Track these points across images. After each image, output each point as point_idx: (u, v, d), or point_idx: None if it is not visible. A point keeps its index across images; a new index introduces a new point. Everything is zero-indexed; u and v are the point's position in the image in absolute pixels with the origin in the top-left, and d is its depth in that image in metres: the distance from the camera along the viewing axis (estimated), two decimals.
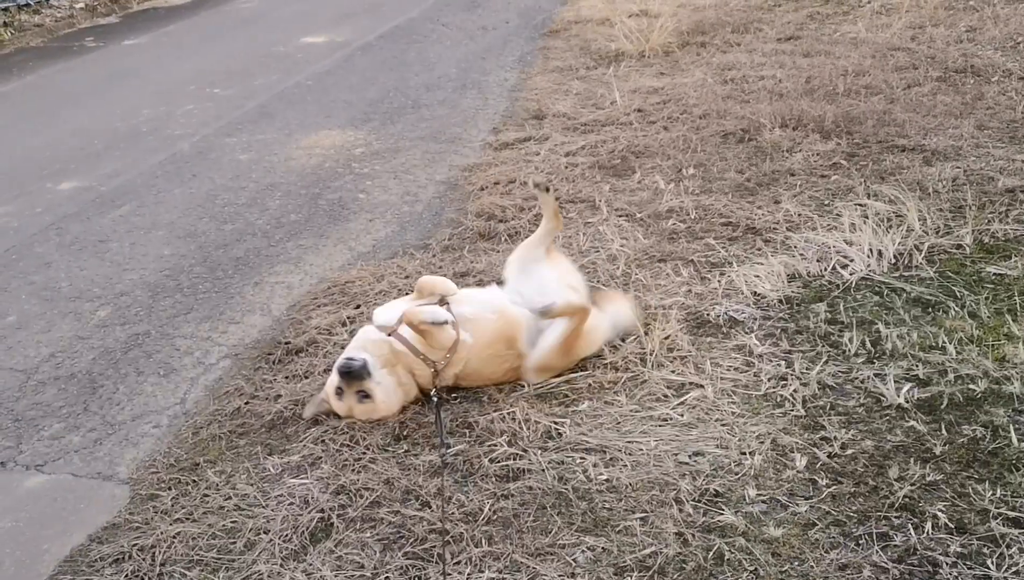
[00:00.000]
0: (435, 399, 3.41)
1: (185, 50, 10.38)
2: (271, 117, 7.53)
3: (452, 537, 2.83)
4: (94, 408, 3.80)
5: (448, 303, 3.62)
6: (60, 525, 3.12)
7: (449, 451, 3.23)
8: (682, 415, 3.31)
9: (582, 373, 3.62)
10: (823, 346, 3.65)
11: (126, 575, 2.83)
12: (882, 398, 3.29)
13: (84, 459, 3.47)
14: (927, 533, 2.65)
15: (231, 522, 3.00)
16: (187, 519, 3.05)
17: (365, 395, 3.40)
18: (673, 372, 3.57)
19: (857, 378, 3.42)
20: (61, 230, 5.58)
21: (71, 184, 6.35)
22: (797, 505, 2.82)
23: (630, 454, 3.12)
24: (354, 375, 3.38)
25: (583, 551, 2.73)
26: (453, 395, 3.54)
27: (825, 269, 4.23)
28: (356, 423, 3.42)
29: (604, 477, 3.03)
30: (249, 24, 11.60)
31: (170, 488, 3.22)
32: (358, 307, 4.29)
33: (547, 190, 3.92)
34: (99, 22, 12.41)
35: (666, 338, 3.79)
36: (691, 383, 3.49)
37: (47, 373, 4.09)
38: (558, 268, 3.91)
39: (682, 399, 3.40)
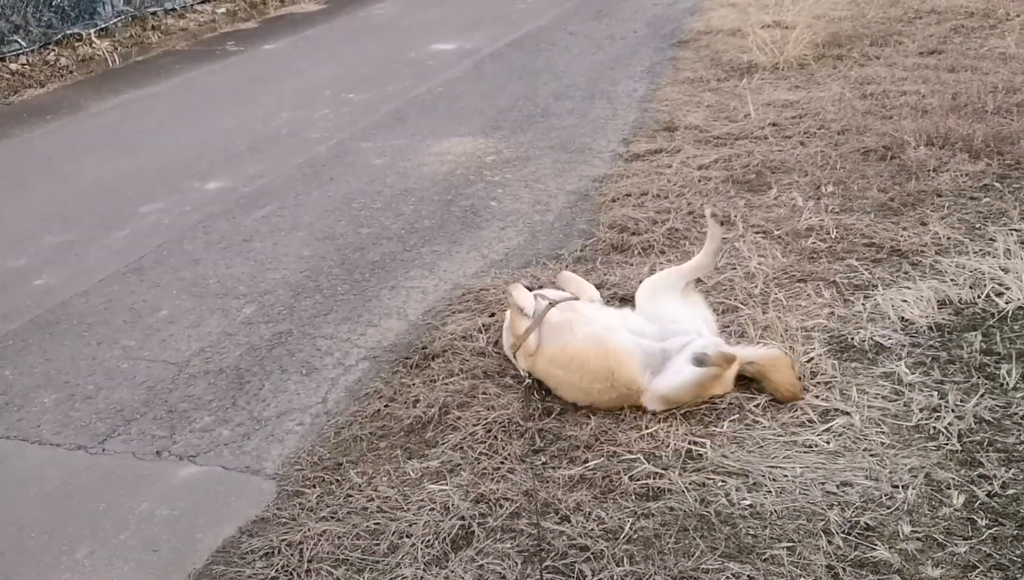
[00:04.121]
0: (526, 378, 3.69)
1: (321, 55, 10.70)
2: (404, 123, 7.69)
3: (593, 553, 2.82)
4: (241, 403, 3.95)
5: (556, 304, 3.74)
6: (212, 516, 3.25)
7: (538, 448, 3.35)
8: (828, 442, 3.22)
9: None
10: (979, 378, 3.49)
11: (276, 569, 2.93)
12: None
13: (233, 452, 3.61)
14: None
15: (374, 524, 3.07)
16: (332, 518, 3.14)
17: None
18: (817, 397, 3.48)
19: (1017, 413, 3.27)
20: (208, 228, 5.83)
21: (217, 184, 6.62)
22: (955, 545, 2.71)
23: (774, 480, 3.06)
24: None
25: (728, 578, 2.68)
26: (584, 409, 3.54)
27: (979, 296, 4.05)
28: (495, 431, 3.46)
29: (748, 502, 2.98)
30: (381, 31, 11.88)
31: (315, 486, 3.32)
32: (492, 315, 4.33)
33: (722, 223, 3.83)
34: (239, 27, 12.91)
35: (809, 361, 3.70)
36: (836, 410, 3.39)
37: (197, 367, 4.27)
38: (693, 304, 3.78)
39: (827, 426, 3.31)
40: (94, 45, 11.26)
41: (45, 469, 3.64)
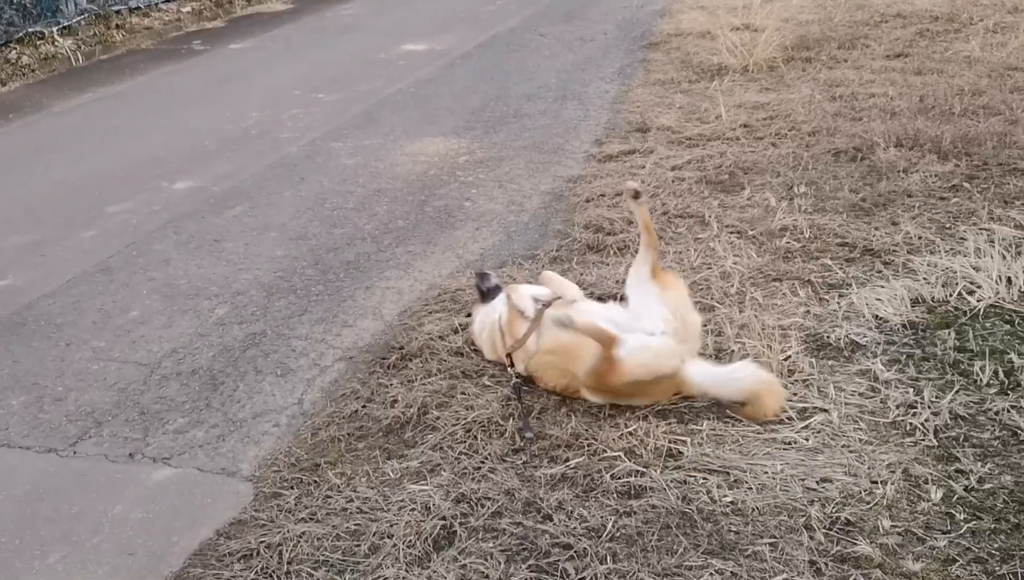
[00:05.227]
0: (513, 383, 3.64)
1: (289, 55, 10.61)
2: (376, 123, 7.64)
3: (576, 552, 2.81)
4: (216, 404, 3.89)
5: (549, 304, 3.71)
6: (188, 519, 3.20)
7: (530, 438, 3.36)
8: (807, 439, 3.24)
9: None
10: (953, 374, 3.53)
11: (255, 571, 2.88)
12: (1019, 431, 3.17)
13: (208, 454, 3.55)
14: None
15: (354, 525, 3.04)
16: (311, 519, 3.10)
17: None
18: (795, 395, 3.50)
19: (991, 409, 3.31)
20: (178, 228, 5.74)
21: (186, 184, 6.53)
22: (935, 539, 2.73)
23: (755, 477, 3.07)
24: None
25: (711, 574, 2.69)
26: (568, 407, 3.53)
27: (951, 294, 4.10)
28: (474, 430, 3.44)
29: (729, 499, 2.98)
30: (350, 31, 11.81)
31: (292, 487, 3.28)
32: (469, 315, 4.30)
33: (637, 197, 3.66)
34: (205, 26, 12.77)
35: (786, 359, 3.72)
36: (815, 407, 3.42)
37: (169, 368, 4.20)
38: (670, 297, 3.67)
39: (806, 423, 3.33)
40: (57, 43, 11.08)
41: (14, 473, 3.56)
